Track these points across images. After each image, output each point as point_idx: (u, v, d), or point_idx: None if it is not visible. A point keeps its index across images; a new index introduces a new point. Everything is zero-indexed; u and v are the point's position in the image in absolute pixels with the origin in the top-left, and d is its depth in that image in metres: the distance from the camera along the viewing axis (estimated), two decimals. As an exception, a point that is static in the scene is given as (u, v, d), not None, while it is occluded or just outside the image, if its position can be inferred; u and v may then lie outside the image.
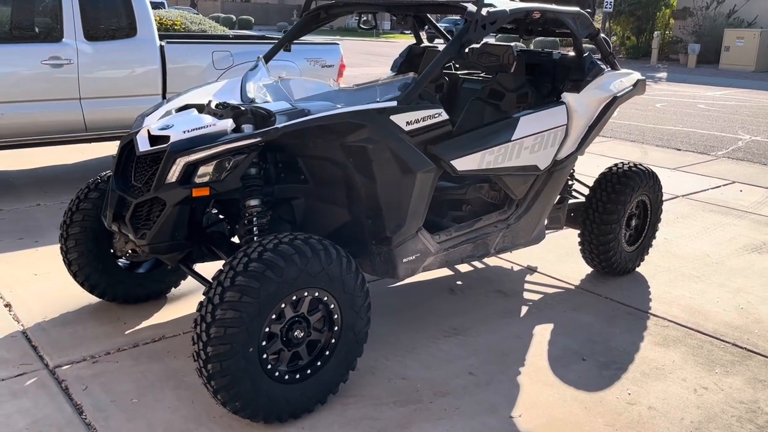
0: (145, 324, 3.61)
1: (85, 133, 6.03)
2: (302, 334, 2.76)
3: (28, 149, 6.66)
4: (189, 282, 3.97)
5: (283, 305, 2.66)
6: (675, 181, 7.32)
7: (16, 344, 3.35)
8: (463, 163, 3.30)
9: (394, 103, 3.06)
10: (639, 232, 4.58)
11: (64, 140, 6.01)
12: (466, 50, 3.27)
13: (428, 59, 4.60)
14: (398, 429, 2.81)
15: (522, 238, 3.88)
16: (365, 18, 4.55)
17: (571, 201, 4.41)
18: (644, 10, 25.76)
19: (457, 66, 4.71)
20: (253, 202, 3.05)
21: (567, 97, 3.86)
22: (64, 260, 3.60)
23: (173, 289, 3.93)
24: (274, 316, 2.66)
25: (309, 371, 2.81)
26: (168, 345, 3.40)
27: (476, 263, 4.65)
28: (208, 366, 2.55)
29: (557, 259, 4.82)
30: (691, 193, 6.83)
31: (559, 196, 4.19)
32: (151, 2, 6.39)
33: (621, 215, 4.26)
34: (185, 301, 3.89)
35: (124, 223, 3.06)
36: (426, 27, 4.72)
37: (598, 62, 4.09)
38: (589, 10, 4.05)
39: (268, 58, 4.03)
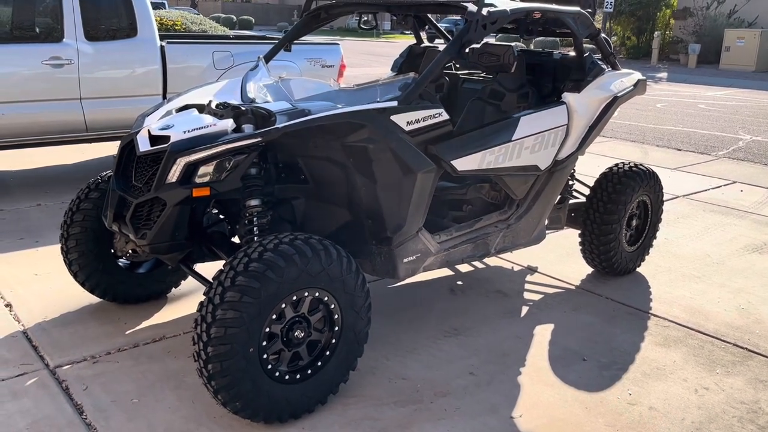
0: (145, 324, 3.61)
1: (85, 133, 6.03)
2: (303, 335, 2.76)
3: (29, 149, 6.66)
4: (189, 282, 3.97)
5: (283, 305, 2.66)
6: (675, 181, 7.32)
7: (16, 344, 3.35)
8: (463, 163, 3.29)
9: (394, 103, 3.06)
10: (639, 232, 4.58)
11: (64, 140, 6.01)
12: (467, 50, 3.27)
13: (429, 59, 4.59)
14: (399, 429, 2.81)
15: (522, 238, 3.88)
16: (365, 18, 4.55)
17: (571, 201, 4.41)
18: (645, 10, 25.76)
19: (458, 66, 4.71)
20: (254, 202, 3.04)
21: (567, 97, 3.86)
22: (64, 260, 3.60)
23: (173, 289, 3.93)
24: (274, 317, 2.66)
25: (309, 371, 2.81)
26: (168, 345, 3.40)
27: (477, 263, 4.65)
28: (208, 366, 2.55)
29: (558, 259, 4.81)
30: (692, 193, 6.82)
31: (559, 196, 4.19)
32: (151, 2, 6.39)
33: (622, 215, 4.26)
34: (186, 301, 3.89)
35: (125, 223, 3.06)
36: (426, 27, 4.72)
37: (599, 62, 4.09)
38: (589, 10, 4.05)
39: (268, 58, 4.03)
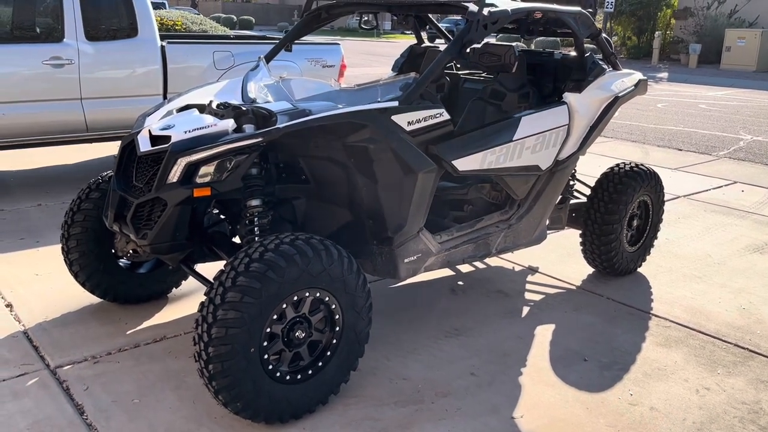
0: (146, 324, 3.61)
1: (86, 133, 6.03)
2: (303, 335, 2.75)
3: (30, 149, 6.66)
4: (190, 282, 3.97)
5: (284, 305, 2.66)
6: (676, 181, 7.31)
7: (17, 344, 3.35)
8: (464, 163, 3.29)
9: (395, 103, 3.06)
10: (640, 232, 4.57)
11: (65, 140, 6.01)
12: (468, 50, 3.27)
13: (429, 59, 4.59)
14: (400, 429, 2.80)
15: (523, 238, 3.88)
16: (366, 18, 4.55)
17: (572, 201, 4.41)
18: (645, 10, 25.76)
19: (459, 66, 4.71)
20: (255, 203, 3.04)
21: (568, 97, 3.86)
22: (65, 260, 3.60)
23: (174, 289, 3.93)
24: (275, 317, 2.66)
25: (310, 372, 2.80)
26: (169, 345, 3.40)
27: (478, 263, 4.65)
28: (209, 366, 2.55)
29: (559, 259, 4.81)
30: (693, 194, 6.82)
31: (560, 197, 4.19)
32: (151, 2, 6.39)
33: (622, 215, 4.25)
34: (186, 301, 3.89)
35: (126, 224, 3.06)
36: (427, 27, 4.72)
37: (600, 62, 4.09)
38: (590, 10, 4.05)
39: (269, 58, 4.03)
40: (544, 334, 3.70)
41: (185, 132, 2.87)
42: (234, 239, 3.50)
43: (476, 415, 2.92)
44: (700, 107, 13.80)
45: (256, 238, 3.03)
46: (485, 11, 3.30)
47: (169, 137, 2.89)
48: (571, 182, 4.35)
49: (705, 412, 3.04)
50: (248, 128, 2.87)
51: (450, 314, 3.88)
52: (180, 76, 6.32)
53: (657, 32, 24.96)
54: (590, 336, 3.69)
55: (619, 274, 4.48)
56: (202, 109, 3.15)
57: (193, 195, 2.86)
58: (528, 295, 4.21)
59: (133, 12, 6.08)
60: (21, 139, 5.79)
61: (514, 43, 3.70)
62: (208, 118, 2.97)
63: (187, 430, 2.74)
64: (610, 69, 4.15)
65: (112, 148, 7.24)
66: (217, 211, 3.51)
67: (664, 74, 20.80)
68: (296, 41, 4.52)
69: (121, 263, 3.69)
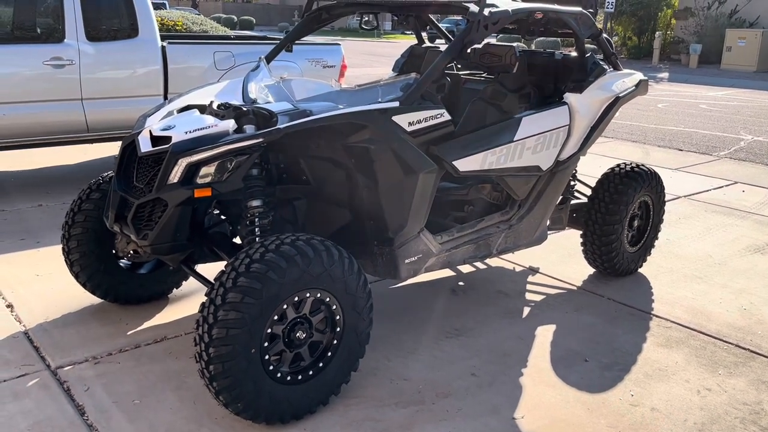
0: (146, 325, 3.61)
1: (86, 133, 6.04)
2: (304, 335, 2.75)
3: (30, 150, 6.66)
4: (191, 283, 3.97)
5: (285, 306, 2.66)
6: (677, 181, 7.31)
7: (18, 345, 3.35)
8: (465, 164, 3.29)
9: (396, 104, 3.05)
10: (641, 232, 4.57)
11: (65, 141, 6.01)
12: (468, 51, 3.27)
13: (430, 59, 4.58)
14: (400, 430, 2.80)
15: (524, 238, 3.88)
16: (366, 18, 4.54)
17: (573, 201, 4.40)
18: (646, 10, 25.75)
19: (459, 66, 4.71)
20: (255, 203, 3.04)
21: (569, 97, 3.86)
22: (65, 261, 3.60)
23: (175, 289, 3.93)
24: (276, 317, 2.66)
25: (311, 372, 2.80)
26: (169, 346, 3.40)
27: (478, 264, 4.64)
28: (210, 367, 2.55)
29: (559, 259, 4.81)
30: (694, 194, 6.82)
31: (561, 197, 4.18)
32: (152, 3, 6.39)
33: (623, 216, 4.25)
34: (187, 302, 3.89)
35: (126, 224, 3.06)
36: (427, 27, 4.72)
37: (601, 62, 4.09)
38: (591, 11, 4.04)
39: (269, 58, 4.03)
40: (544, 334, 3.69)
41: (186, 132, 2.87)
42: (235, 240, 3.50)
43: (477, 416, 2.92)
44: (701, 107, 13.80)
45: (257, 239, 3.03)
46: (486, 12, 3.30)
47: (169, 138, 2.89)
48: (572, 183, 4.35)
49: (706, 412, 3.03)
50: (249, 129, 2.87)
51: (451, 315, 3.88)
52: (180, 77, 6.32)
53: (657, 32, 24.95)
54: (591, 336, 3.69)
55: (619, 274, 4.48)
56: (202, 109, 3.15)
57: (194, 195, 2.86)
58: (529, 296, 4.21)
59: (133, 12, 6.08)
60: (22, 140, 5.79)
61: (514, 44, 3.70)
62: (209, 119, 2.97)
63: (188, 430, 2.74)
64: (611, 69, 4.15)
65: (112, 149, 7.24)
66: (218, 211, 3.51)
67: (665, 74, 20.79)
68: (297, 41, 4.52)
69: (121, 264, 3.69)
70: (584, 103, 3.88)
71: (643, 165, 4.45)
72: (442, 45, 4.60)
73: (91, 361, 3.23)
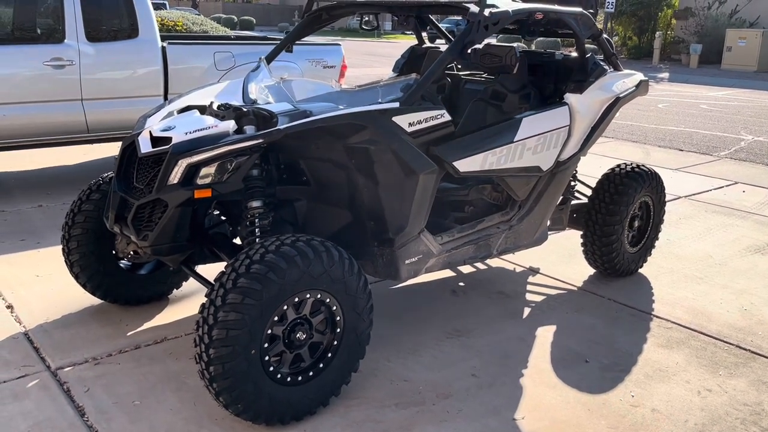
0: (146, 326, 3.61)
1: (87, 134, 6.04)
2: (304, 336, 2.75)
3: (30, 150, 6.66)
4: (191, 283, 3.96)
5: (285, 307, 2.66)
6: (677, 181, 7.30)
7: (18, 346, 3.35)
8: (465, 165, 3.29)
9: (396, 105, 3.05)
10: (642, 233, 4.57)
11: (66, 141, 6.01)
12: (469, 51, 3.26)
13: (430, 60, 4.58)
14: (401, 431, 2.80)
15: (524, 239, 3.87)
16: (367, 19, 4.54)
17: (573, 202, 4.40)
18: (646, 10, 25.76)
19: (460, 67, 4.70)
20: (255, 204, 3.04)
21: (570, 97, 3.85)
22: (65, 262, 3.60)
23: (175, 290, 3.93)
24: (276, 318, 2.65)
25: (311, 373, 2.80)
26: (170, 347, 3.40)
27: (478, 264, 4.64)
28: (210, 368, 2.55)
29: (560, 260, 4.80)
30: (694, 194, 6.81)
31: (561, 197, 4.18)
32: (152, 3, 6.39)
33: (624, 216, 4.25)
34: (187, 302, 3.89)
35: (126, 225, 3.05)
36: (428, 27, 4.71)
37: (601, 63, 4.08)
38: (591, 11, 4.04)
39: (269, 59, 4.02)
40: (545, 335, 3.69)
41: (186, 133, 2.87)
42: (235, 240, 3.49)
43: (477, 417, 2.92)
44: (701, 107, 13.80)
45: (257, 240, 3.03)
46: (486, 12, 3.30)
47: (169, 138, 2.89)
48: (572, 183, 4.35)
49: (707, 413, 3.03)
50: (249, 129, 2.87)
51: (451, 315, 3.88)
52: (181, 77, 6.32)
53: (658, 32, 24.95)
54: (591, 337, 3.69)
55: (620, 275, 4.47)
56: (202, 110, 3.15)
57: (194, 196, 2.86)
58: (529, 297, 4.21)
59: (133, 13, 6.08)
60: (22, 140, 5.79)
61: (515, 44, 3.70)
62: (209, 120, 2.96)
63: (188, 431, 2.74)
64: (611, 69, 4.15)
65: (112, 149, 7.24)
66: (218, 212, 3.51)
67: (665, 74, 20.79)
68: (297, 42, 4.51)
69: (121, 264, 3.69)
70: (585, 104, 3.87)
71: (643, 165, 4.45)
72: (442, 45, 4.60)
73: (91, 362, 3.23)
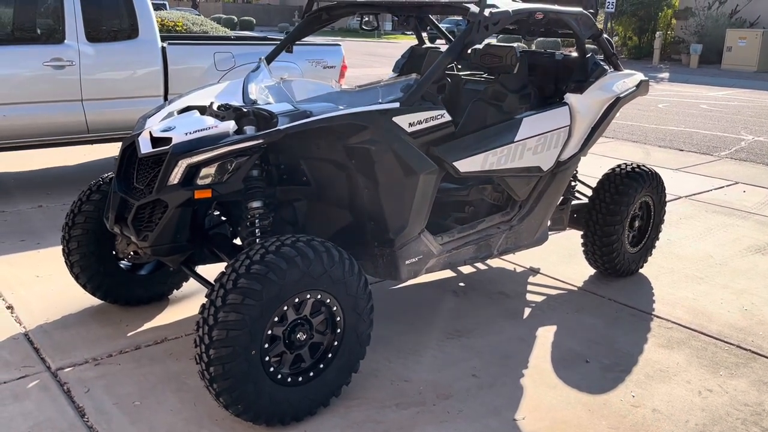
0: (146, 326, 3.61)
1: (87, 134, 6.04)
2: (305, 337, 2.75)
3: (30, 151, 6.65)
4: (191, 284, 3.96)
5: (285, 307, 2.66)
6: (678, 181, 7.30)
7: (18, 346, 3.35)
8: (465, 165, 3.28)
9: (396, 105, 3.05)
10: (642, 233, 4.57)
11: (66, 142, 6.01)
12: (469, 51, 3.26)
13: (430, 60, 4.58)
14: (401, 431, 2.80)
15: (525, 239, 3.87)
16: (367, 19, 4.54)
17: (574, 202, 4.40)
18: (646, 10, 25.75)
19: (460, 67, 4.70)
20: (256, 204, 3.04)
21: (570, 98, 3.85)
22: (66, 262, 3.60)
23: (175, 291, 3.93)
24: (276, 319, 2.65)
25: (311, 374, 2.80)
26: (170, 347, 3.39)
27: (479, 265, 4.64)
28: (210, 369, 2.54)
29: (560, 260, 4.80)
30: (694, 194, 6.81)
31: (562, 198, 4.18)
32: (152, 3, 6.38)
33: (624, 216, 4.25)
34: (187, 303, 3.88)
35: (126, 225, 3.05)
36: (428, 27, 4.71)
37: (601, 63, 4.08)
38: (591, 11, 4.04)
39: (270, 59, 4.02)
40: (545, 335, 3.69)
41: (186, 134, 2.87)
42: (235, 241, 3.49)
43: (478, 417, 2.91)
44: (701, 107, 13.79)
45: (257, 240, 3.03)
46: (486, 12, 3.30)
47: (170, 139, 2.89)
48: (573, 183, 4.35)
49: (707, 413, 3.03)
50: (249, 130, 2.87)
51: (451, 316, 3.87)
52: (181, 78, 6.32)
53: (658, 32, 24.94)
54: (592, 337, 3.69)
55: (620, 275, 4.47)
56: (203, 110, 3.15)
57: (194, 197, 2.86)
58: (529, 297, 4.21)
59: (133, 13, 6.08)
60: (22, 141, 5.79)
61: (515, 44, 3.70)
62: (209, 120, 2.96)
63: (188, 432, 2.74)
64: (612, 69, 4.15)
65: (113, 150, 7.23)
66: (218, 212, 3.51)
67: (665, 74, 20.79)
68: (297, 42, 4.51)
69: (122, 265, 3.68)
70: (585, 104, 3.87)
71: (643, 165, 4.45)
72: (442, 45, 4.60)
73: (91, 362, 3.23)
